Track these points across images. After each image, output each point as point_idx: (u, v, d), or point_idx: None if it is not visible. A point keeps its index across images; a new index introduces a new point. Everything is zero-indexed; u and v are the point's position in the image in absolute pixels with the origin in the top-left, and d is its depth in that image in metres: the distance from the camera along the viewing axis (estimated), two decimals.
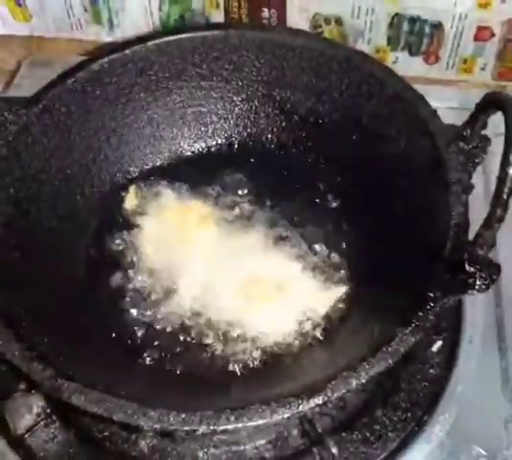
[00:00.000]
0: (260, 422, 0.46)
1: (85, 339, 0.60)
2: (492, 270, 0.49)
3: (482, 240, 0.49)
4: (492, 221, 0.48)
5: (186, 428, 0.46)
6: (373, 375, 0.47)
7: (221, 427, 0.46)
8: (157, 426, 0.46)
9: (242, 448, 0.62)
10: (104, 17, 0.98)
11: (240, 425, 0.46)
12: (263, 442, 0.62)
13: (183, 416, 0.46)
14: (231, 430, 0.60)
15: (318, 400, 0.46)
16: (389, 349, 0.48)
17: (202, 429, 0.46)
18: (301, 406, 0.46)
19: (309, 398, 0.46)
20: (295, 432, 0.62)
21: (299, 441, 0.62)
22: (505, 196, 0.46)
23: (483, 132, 0.58)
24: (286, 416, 0.46)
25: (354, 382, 0.47)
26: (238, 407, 0.46)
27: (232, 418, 0.46)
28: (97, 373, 0.52)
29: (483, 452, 0.60)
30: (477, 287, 0.49)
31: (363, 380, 0.47)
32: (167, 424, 0.46)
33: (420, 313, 0.49)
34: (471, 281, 0.49)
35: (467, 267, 0.49)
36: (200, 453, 0.62)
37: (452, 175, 0.56)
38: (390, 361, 0.47)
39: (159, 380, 0.60)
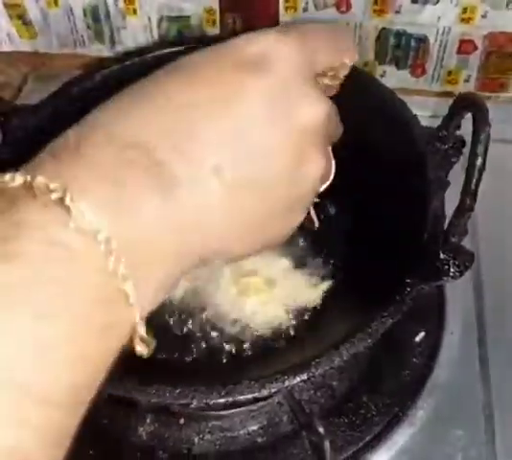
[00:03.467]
0: (250, 396, 0.49)
1: None
2: (465, 257, 0.53)
3: (454, 228, 0.53)
4: (462, 211, 0.52)
5: (181, 402, 0.49)
6: (354, 352, 0.51)
7: (213, 401, 0.49)
8: (154, 400, 0.49)
9: (235, 433, 0.65)
10: (105, 34, 1.02)
11: (231, 398, 0.49)
12: (255, 428, 0.65)
13: (178, 391, 0.49)
14: (225, 416, 0.65)
15: (304, 376, 0.50)
16: (369, 330, 0.52)
17: (195, 403, 0.49)
18: (287, 381, 0.49)
19: (295, 374, 0.50)
20: (285, 418, 0.66)
21: (289, 426, 0.65)
22: (473, 187, 0.50)
23: (459, 133, 0.62)
24: (273, 390, 0.50)
25: (336, 359, 0.50)
26: (229, 383, 0.50)
27: (223, 392, 0.49)
28: None
29: (463, 434, 0.64)
30: (451, 273, 0.53)
31: (345, 358, 0.50)
32: (163, 398, 0.49)
33: (397, 298, 0.53)
34: (445, 268, 0.53)
35: (441, 255, 0.53)
36: (196, 439, 0.65)
37: (429, 174, 0.60)
38: (369, 341, 0.51)
39: (152, 369, 0.63)
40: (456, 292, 0.72)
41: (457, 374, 0.67)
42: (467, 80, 0.98)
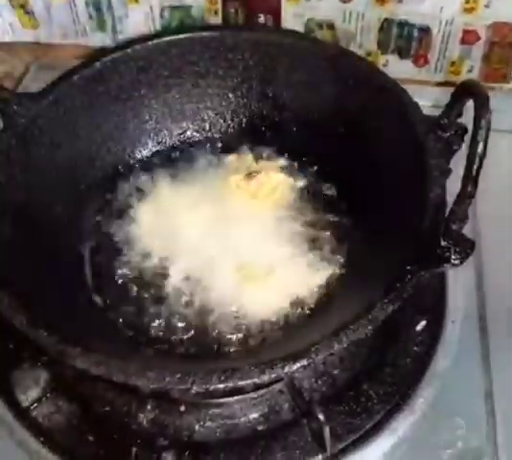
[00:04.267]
0: (249, 381, 0.49)
1: (81, 317, 0.64)
2: (466, 245, 0.53)
3: (455, 215, 0.52)
4: (463, 198, 0.52)
5: (181, 387, 0.49)
6: (354, 339, 0.51)
7: (213, 387, 0.49)
8: (155, 386, 0.49)
9: (236, 421, 0.65)
10: (108, 24, 1.02)
11: (230, 384, 0.49)
12: (256, 415, 0.65)
13: (178, 376, 0.49)
14: (226, 404, 0.65)
15: (303, 361, 0.50)
16: (369, 316, 0.51)
17: (195, 388, 0.49)
18: (287, 367, 0.49)
19: (295, 360, 0.50)
20: (286, 406, 0.65)
21: (290, 414, 0.65)
22: (474, 174, 0.50)
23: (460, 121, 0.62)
24: (273, 376, 0.49)
25: (336, 346, 0.50)
26: (229, 368, 0.50)
27: (223, 377, 0.49)
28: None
29: (463, 423, 0.64)
30: (452, 260, 0.53)
31: (345, 344, 0.50)
32: (163, 383, 0.49)
33: (398, 285, 0.53)
34: (446, 255, 0.53)
35: (442, 242, 0.53)
36: (197, 426, 0.65)
37: (431, 161, 0.60)
38: (370, 327, 0.51)
39: (153, 358, 0.64)
40: (458, 281, 0.72)
41: (458, 362, 0.67)
42: (470, 71, 0.97)
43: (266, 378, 0.49)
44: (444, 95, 0.87)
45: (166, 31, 0.97)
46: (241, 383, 0.49)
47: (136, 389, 0.53)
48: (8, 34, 1.06)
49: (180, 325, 0.67)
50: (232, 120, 0.79)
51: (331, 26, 0.95)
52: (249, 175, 0.74)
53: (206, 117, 0.79)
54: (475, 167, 0.50)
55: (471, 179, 0.50)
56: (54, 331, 0.52)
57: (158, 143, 0.79)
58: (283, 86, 0.76)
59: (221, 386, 0.49)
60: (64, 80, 0.70)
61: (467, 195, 0.51)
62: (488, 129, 0.50)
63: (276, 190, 0.73)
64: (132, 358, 0.53)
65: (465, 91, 0.56)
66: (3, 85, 0.69)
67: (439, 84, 0.98)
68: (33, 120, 0.67)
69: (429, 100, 0.85)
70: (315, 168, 0.76)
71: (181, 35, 0.74)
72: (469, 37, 0.93)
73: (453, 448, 0.63)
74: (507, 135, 0.87)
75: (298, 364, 0.50)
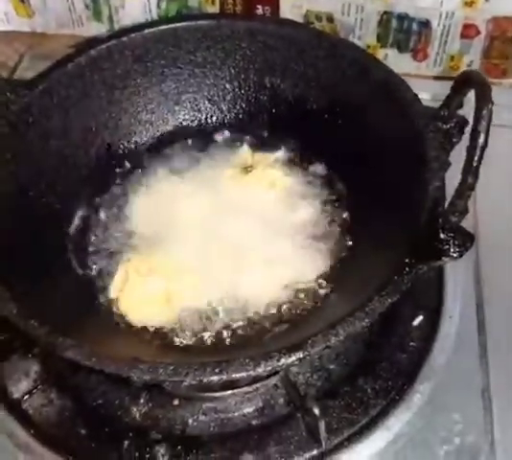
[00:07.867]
0: (244, 374, 0.48)
1: (72, 305, 0.63)
2: (465, 238, 0.52)
3: (455, 207, 0.52)
4: (463, 190, 0.51)
5: (174, 379, 0.48)
6: (351, 332, 0.50)
7: (207, 379, 0.48)
8: (147, 377, 0.48)
9: (230, 415, 0.64)
10: (104, 14, 1.01)
11: (225, 376, 0.48)
12: (250, 410, 0.64)
13: (171, 368, 0.48)
14: (220, 398, 0.64)
15: (299, 354, 0.49)
16: (366, 309, 0.51)
17: (189, 380, 0.48)
18: (283, 360, 0.48)
19: (290, 352, 0.49)
20: (281, 401, 0.65)
21: (285, 409, 0.64)
22: (475, 165, 0.49)
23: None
24: (269, 369, 0.48)
25: (332, 339, 0.49)
26: (223, 361, 0.49)
27: (217, 369, 0.48)
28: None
29: (460, 419, 0.63)
30: (450, 253, 0.52)
31: (341, 337, 0.49)
32: (156, 375, 0.48)
33: (395, 278, 0.52)
34: (445, 248, 0.52)
35: (441, 235, 0.52)
36: (190, 420, 0.64)
37: (430, 153, 0.59)
38: (367, 320, 0.50)
39: (148, 347, 0.63)
40: (456, 277, 0.71)
41: (455, 358, 0.66)
42: (469, 66, 0.97)
43: (260, 370, 0.48)
44: (442, 89, 0.87)
45: (162, 19, 0.96)
46: (235, 376, 0.48)
47: (129, 381, 0.52)
48: (3, 24, 1.05)
49: (175, 316, 0.65)
50: (229, 111, 0.78)
51: (330, 18, 0.94)
52: (245, 170, 0.73)
53: (203, 107, 0.78)
54: (475, 158, 0.49)
55: (471, 171, 0.50)
56: (44, 321, 0.51)
57: (154, 133, 0.78)
58: (280, 77, 0.75)
59: (216, 378, 0.48)
60: (58, 67, 0.69)
61: (467, 186, 0.50)
62: (489, 120, 0.49)
63: (272, 185, 0.72)
64: (125, 350, 0.52)
65: (466, 81, 0.55)
66: None
67: (438, 78, 0.98)
68: (26, 107, 0.66)
69: (427, 94, 0.84)
70: (312, 160, 0.75)
71: (178, 24, 0.73)
72: (469, 32, 0.93)
73: (449, 443, 0.62)
74: (507, 130, 0.86)
75: (294, 357, 0.49)
